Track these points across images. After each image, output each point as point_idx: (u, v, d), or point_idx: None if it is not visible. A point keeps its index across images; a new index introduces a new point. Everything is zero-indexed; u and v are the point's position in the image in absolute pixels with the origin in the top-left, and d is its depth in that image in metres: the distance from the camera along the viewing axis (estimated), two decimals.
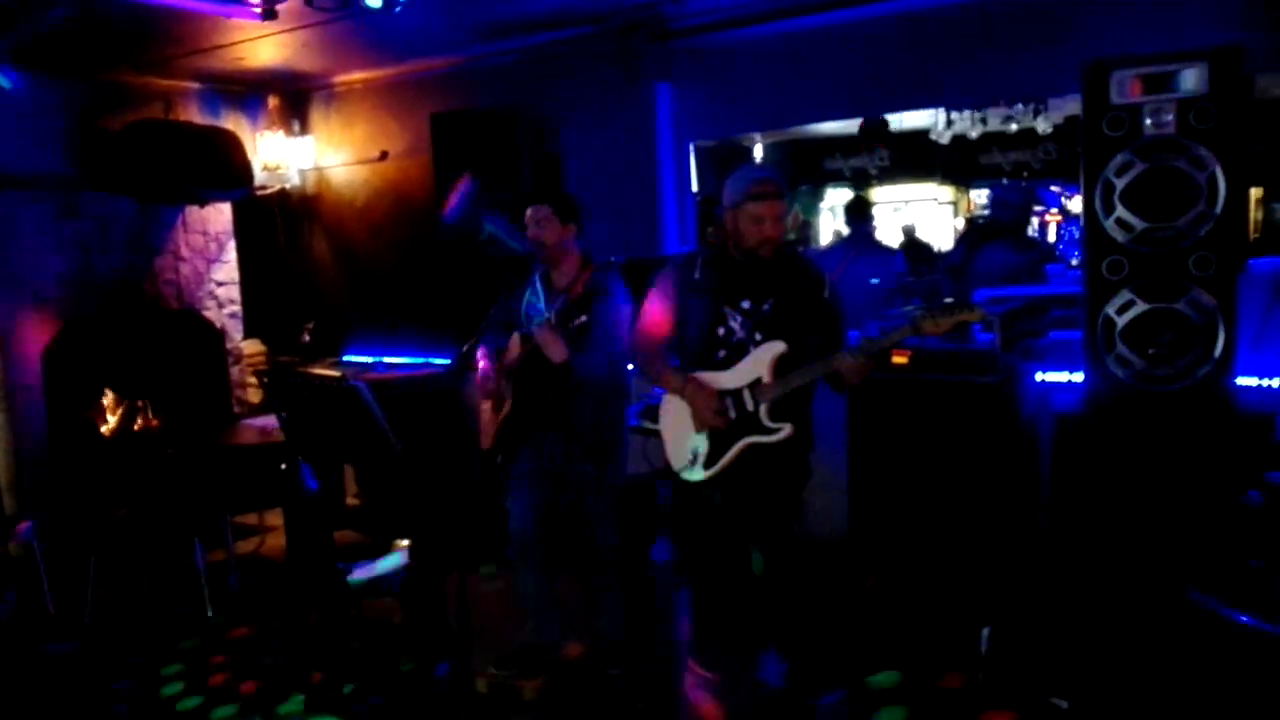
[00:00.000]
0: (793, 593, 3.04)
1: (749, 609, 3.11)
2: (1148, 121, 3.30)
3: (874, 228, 6.60)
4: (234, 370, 6.56)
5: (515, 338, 3.69)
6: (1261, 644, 2.60)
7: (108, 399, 5.75)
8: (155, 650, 4.23)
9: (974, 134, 8.52)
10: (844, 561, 4.10)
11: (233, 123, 6.48)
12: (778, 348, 2.93)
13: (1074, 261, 6.37)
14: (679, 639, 3.19)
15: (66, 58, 5.44)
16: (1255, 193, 6.83)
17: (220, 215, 6.50)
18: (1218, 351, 3.26)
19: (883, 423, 3.92)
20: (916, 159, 10.36)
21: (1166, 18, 4.00)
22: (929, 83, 4.81)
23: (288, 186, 6.91)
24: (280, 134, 6.76)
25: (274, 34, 5.08)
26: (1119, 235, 3.35)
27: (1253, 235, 6.66)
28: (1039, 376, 3.95)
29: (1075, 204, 9.11)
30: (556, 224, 3.54)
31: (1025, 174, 10.00)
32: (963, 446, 3.74)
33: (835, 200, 10.97)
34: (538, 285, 3.64)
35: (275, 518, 5.64)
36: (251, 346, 6.80)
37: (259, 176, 6.54)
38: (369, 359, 6.57)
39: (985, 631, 3.36)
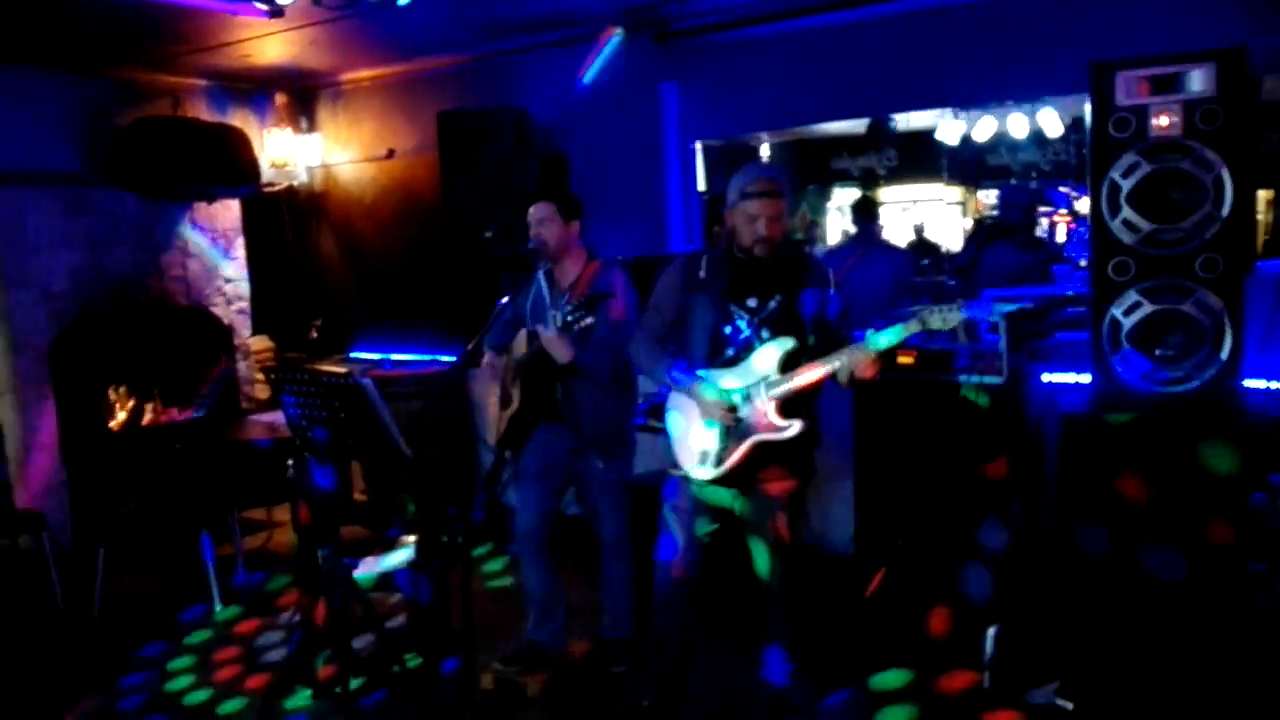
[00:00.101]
0: (797, 592, 3.05)
1: (753, 608, 3.12)
2: (1154, 122, 3.29)
3: (881, 227, 6.60)
4: (242, 366, 6.58)
5: (522, 335, 3.70)
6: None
7: (117, 394, 5.79)
8: (164, 644, 4.26)
9: (981, 134, 8.50)
10: (849, 561, 4.10)
11: (241, 120, 6.50)
12: (786, 344, 2.93)
13: (1082, 262, 6.35)
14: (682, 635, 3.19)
15: (75, 54, 5.46)
16: (1265, 195, 6.81)
17: (228, 212, 6.52)
18: (1224, 353, 3.25)
19: (889, 422, 3.93)
20: (925, 159, 10.35)
21: (1173, 19, 4.00)
22: (934, 83, 4.81)
23: (295, 184, 6.94)
24: (288, 131, 6.78)
25: (281, 31, 5.10)
26: (1125, 236, 3.35)
27: (1262, 238, 6.64)
28: (1045, 377, 3.94)
29: (1085, 205, 9.10)
30: (559, 222, 3.55)
31: (1034, 174, 9.98)
32: (969, 447, 3.74)
33: (843, 200, 10.96)
34: (542, 283, 3.65)
35: (283, 513, 5.67)
36: (259, 343, 6.83)
37: (267, 173, 6.56)
38: (376, 356, 6.61)
39: (990, 632, 3.36)
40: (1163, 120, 3.28)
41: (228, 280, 6.54)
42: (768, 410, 2.92)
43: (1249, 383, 3.42)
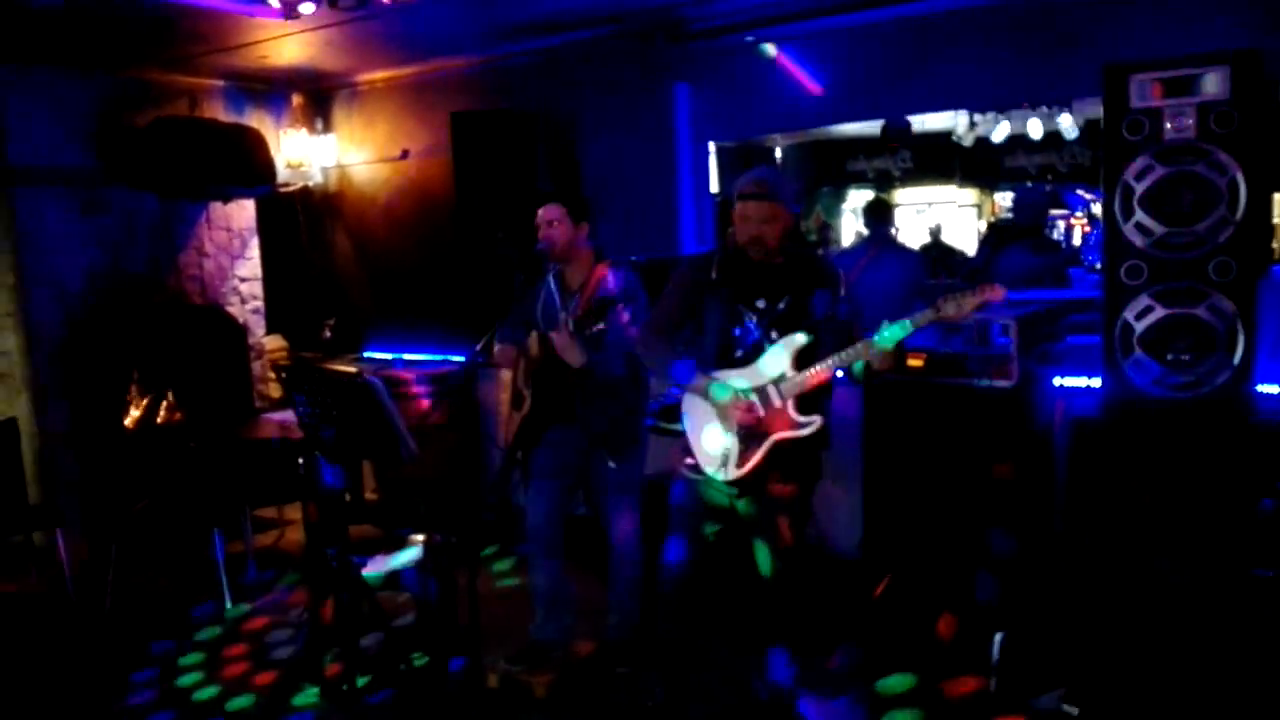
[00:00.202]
0: (799, 594, 3.04)
1: (757, 608, 3.11)
2: (1168, 125, 3.27)
3: (894, 229, 6.58)
4: (256, 365, 6.62)
5: (534, 337, 3.72)
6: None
7: (131, 392, 5.84)
8: (174, 640, 4.29)
9: (997, 136, 8.47)
10: (857, 564, 4.09)
11: (257, 120, 6.55)
12: (799, 340, 2.93)
13: (1097, 266, 6.32)
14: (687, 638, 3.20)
15: (93, 54, 5.51)
16: None
17: (244, 212, 6.56)
18: (1237, 358, 3.22)
19: (898, 425, 3.91)
20: (940, 161, 10.32)
21: (1188, 21, 3.96)
22: (948, 85, 4.79)
23: (310, 184, 6.97)
24: (303, 132, 6.82)
25: (297, 33, 5.13)
26: (1138, 240, 3.32)
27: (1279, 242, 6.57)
28: (1056, 381, 3.92)
29: (1101, 208, 9.05)
30: (569, 224, 3.56)
31: (1050, 177, 9.93)
32: (978, 451, 3.72)
33: (858, 201, 10.94)
34: (552, 285, 3.65)
35: (294, 511, 5.70)
36: (273, 342, 6.87)
37: (282, 174, 6.60)
38: (389, 355, 6.64)
39: (998, 637, 3.34)
40: (1177, 123, 3.26)
41: (243, 279, 6.58)
42: (786, 407, 2.91)
43: (1261, 387, 3.39)
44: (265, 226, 6.72)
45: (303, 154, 6.80)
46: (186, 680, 3.94)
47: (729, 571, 3.18)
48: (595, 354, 3.40)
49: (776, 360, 2.94)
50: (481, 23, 5.15)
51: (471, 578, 3.17)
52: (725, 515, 3.08)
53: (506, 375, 3.87)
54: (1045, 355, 3.92)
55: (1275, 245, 5.91)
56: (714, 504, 3.07)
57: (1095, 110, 6.25)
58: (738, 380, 2.97)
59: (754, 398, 2.93)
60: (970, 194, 10.98)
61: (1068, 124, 8.10)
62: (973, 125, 8.64)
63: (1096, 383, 3.64)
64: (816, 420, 2.92)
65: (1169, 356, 3.30)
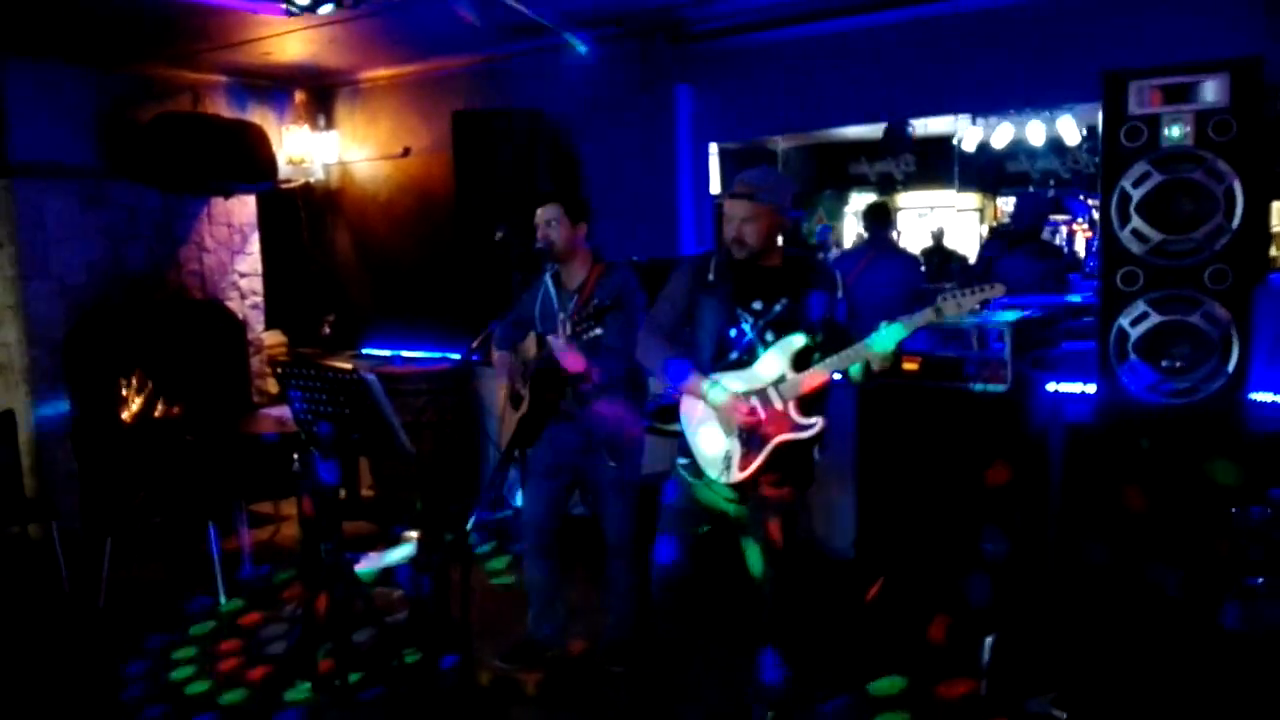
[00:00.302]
0: (789, 596, 3.04)
1: (748, 609, 3.11)
2: (1166, 132, 3.28)
3: (895, 233, 6.58)
4: (254, 360, 6.63)
5: (531, 338, 3.72)
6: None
7: (129, 385, 5.85)
8: (167, 634, 4.30)
9: (998, 140, 8.46)
10: (850, 567, 4.09)
11: (260, 116, 6.56)
12: (797, 342, 2.93)
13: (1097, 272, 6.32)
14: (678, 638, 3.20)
15: (97, 49, 5.53)
16: None
17: (245, 207, 6.57)
18: (1231, 366, 3.23)
19: (892, 428, 3.92)
20: (943, 165, 10.32)
21: (1194, 29, 3.96)
22: (948, 88, 4.79)
23: (312, 180, 6.99)
24: (306, 128, 6.83)
25: (300, 30, 5.15)
26: (1134, 246, 3.33)
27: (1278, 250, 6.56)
28: (1051, 386, 3.92)
29: None
30: (567, 224, 3.56)
31: (1052, 182, 9.92)
32: (972, 455, 3.72)
33: (860, 205, 10.94)
34: (549, 285, 3.66)
35: (290, 507, 5.72)
36: (272, 338, 6.88)
37: (284, 170, 6.61)
38: (387, 352, 6.65)
39: (988, 640, 3.34)
40: (1175, 130, 3.26)
41: (243, 275, 6.59)
42: (788, 409, 2.91)
43: (1255, 395, 3.39)
44: (266, 222, 6.73)
45: (305, 150, 6.81)
46: (179, 674, 3.94)
47: (720, 572, 3.18)
48: (594, 359, 3.41)
49: (774, 362, 2.94)
50: (484, 21, 5.15)
51: (465, 575, 3.17)
52: (717, 516, 3.08)
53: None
54: (1040, 360, 3.92)
55: (1275, 253, 5.91)
56: (707, 505, 3.07)
57: (1098, 116, 6.25)
58: (736, 383, 2.97)
59: (755, 401, 2.93)
60: (972, 198, 10.97)
61: (1069, 129, 8.10)
62: (975, 129, 8.65)
63: (1091, 388, 3.65)
64: (819, 422, 2.91)
65: (1164, 363, 3.31)
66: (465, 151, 5.54)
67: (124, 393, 5.82)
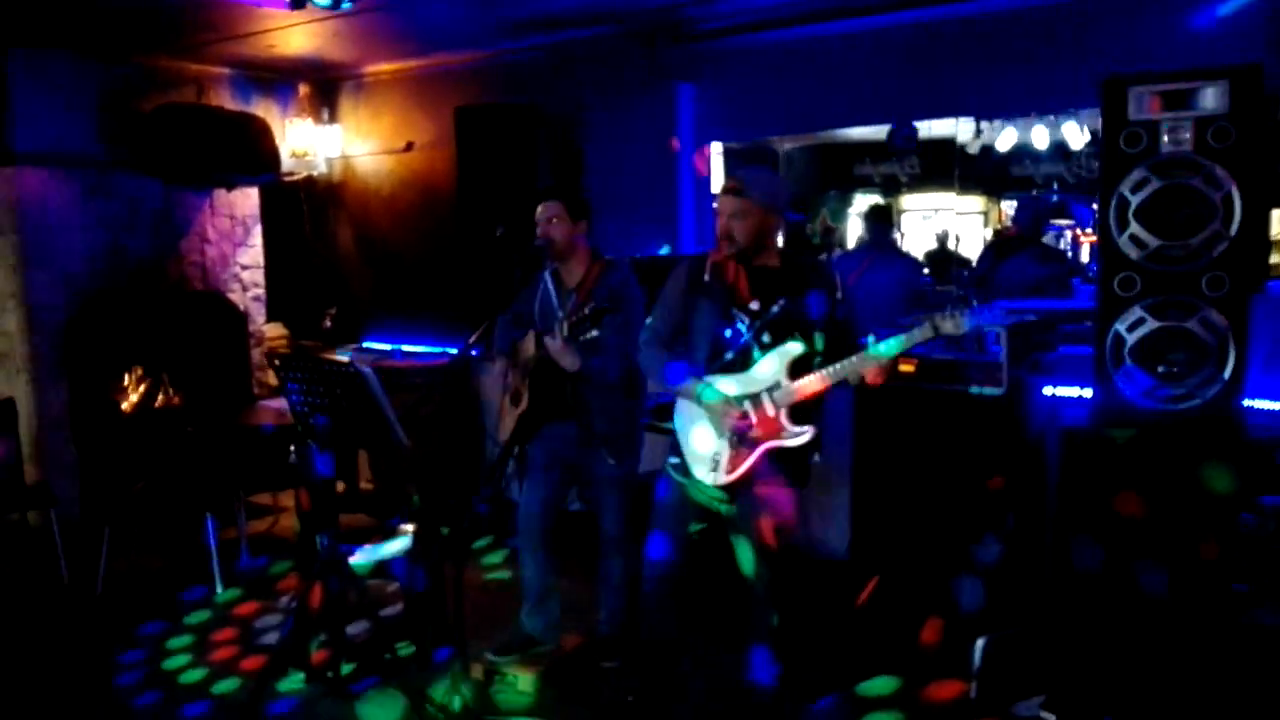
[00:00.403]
0: (781, 595, 3.05)
1: (740, 607, 3.12)
2: (1165, 139, 3.27)
3: (900, 234, 6.57)
4: (255, 353, 6.65)
5: (530, 336, 3.72)
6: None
7: (130, 375, 5.87)
8: (163, 623, 4.31)
9: (1002, 144, 8.45)
10: (844, 568, 4.10)
11: (263, 109, 6.57)
12: (794, 350, 2.93)
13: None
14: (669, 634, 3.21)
15: (101, 40, 5.54)
16: None
17: (247, 200, 6.59)
18: (1227, 372, 3.22)
19: (888, 430, 3.92)
20: (948, 167, 10.28)
21: (1189, 35, 3.97)
22: (950, 91, 4.80)
23: (314, 174, 7.00)
24: (309, 121, 6.84)
25: (305, 23, 5.16)
26: (1132, 252, 3.33)
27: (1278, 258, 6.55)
28: (1048, 391, 3.92)
29: None
30: (567, 222, 3.56)
31: (1056, 186, 9.90)
32: (968, 458, 3.73)
33: (865, 206, 10.92)
34: (548, 283, 3.67)
35: (289, 499, 5.73)
36: (274, 330, 6.90)
37: (287, 163, 6.63)
38: (388, 346, 6.66)
39: (980, 643, 3.35)
40: (1174, 137, 3.26)
41: (244, 267, 6.61)
42: (779, 416, 2.92)
43: (1251, 403, 3.39)
44: (268, 215, 6.75)
45: (308, 143, 6.83)
46: (174, 662, 3.96)
47: (713, 570, 3.19)
48: (590, 359, 3.42)
49: (770, 368, 2.95)
50: (488, 17, 5.16)
51: (458, 569, 3.18)
52: (709, 515, 3.09)
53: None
54: (1037, 364, 3.92)
55: (1275, 260, 5.90)
56: (700, 503, 3.08)
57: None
58: (731, 385, 2.98)
59: (747, 404, 2.94)
60: (970, 201, 10.95)
61: (1073, 133, 8.07)
62: (979, 133, 8.62)
63: (1088, 393, 3.65)
64: (808, 431, 2.92)
65: (1160, 369, 3.30)
66: (467, 147, 5.55)
67: (124, 382, 5.84)
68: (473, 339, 3.59)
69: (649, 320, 3.22)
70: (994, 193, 10.75)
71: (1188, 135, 3.24)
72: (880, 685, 3.47)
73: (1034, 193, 9.83)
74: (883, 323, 3.86)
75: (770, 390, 2.93)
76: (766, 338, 2.99)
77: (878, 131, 8.65)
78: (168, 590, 4.66)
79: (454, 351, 6.09)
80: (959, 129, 8.49)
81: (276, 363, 3.52)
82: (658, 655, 3.20)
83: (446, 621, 3.45)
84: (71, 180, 5.69)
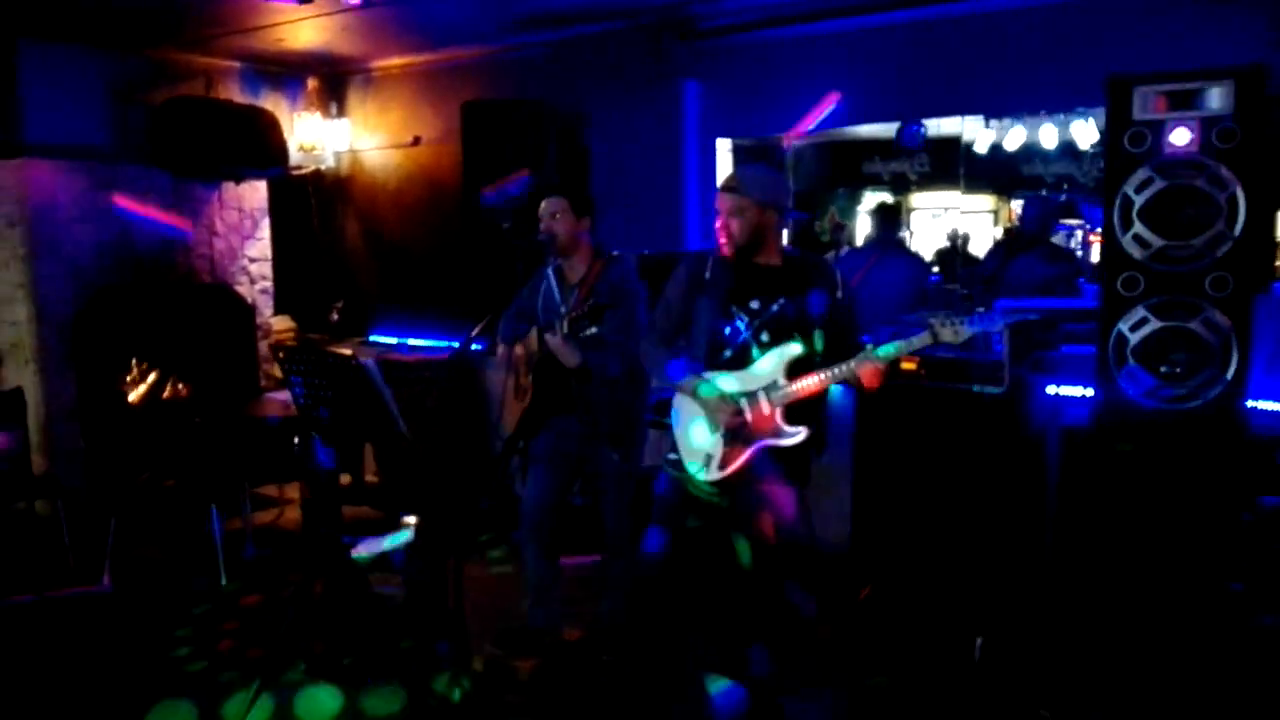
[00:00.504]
0: (779, 592, 3.06)
1: (737, 603, 3.13)
2: (1170, 139, 3.27)
3: (909, 233, 6.55)
4: (263, 345, 6.68)
5: (533, 332, 3.73)
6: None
7: (138, 367, 5.90)
8: (168, 613, 4.35)
9: (1010, 143, 8.41)
10: (844, 566, 4.10)
11: (272, 103, 6.59)
12: (793, 351, 2.94)
13: None
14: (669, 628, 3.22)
15: (111, 32, 5.57)
16: None
17: (255, 193, 6.62)
18: (1230, 373, 3.22)
19: (890, 429, 3.92)
20: (958, 166, 10.24)
21: (1195, 35, 3.95)
22: (956, 90, 4.79)
23: (323, 167, 7.03)
24: (317, 115, 6.87)
25: (314, 17, 5.18)
26: (1136, 252, 3.32)
27: None
28: (1050, 390, 3.92)
29: None
30: (571, 217, 3.57)
31: (1066, 186, 9.86)
32: (969, 456, 3.73)
33: (873, 204, 10.89)
34: (551, 278, 3.68)
35: (295, 490, 5.76)
36: (281, 323, 6.93)
37: (295, 156, 6.65)
38: (394, 340, 6.68)
39: (979, 642, 3.35)
40: (1179, 137, 3.26)
41: (252, 260, 6.64)
42: (775, 415, 2.93)
43: (1253, 403, 3.38)
44: (276, 208, 6.77)
45: (316, 137, 6.85)
46: (178, 652, 3.98)
47: (711, 564, 3.20)
48: (590, 355, 3.43)
49: (769, 367, 2.95)
50: (495, 13, 5.18)
51: (458, 562, 3.20)
52: (707, 509, 3.10)
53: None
54: (1039, 363, 3.92)
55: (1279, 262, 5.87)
56: (699, 498, 3.09)
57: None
58: (730, 382, 2.98)
59: (743, 402, 2.94)
60: (977, 200, 10.91)
61: (1082, 133, 8.04)
62: (986, 129, 8.58)
63: (1090, 392, 3.64)
64: (802, 432, 2.93)
65: (1162, 369, 3.30)
66: (474, 142, 5.56)
67: (132, 374, 5.87)
68: (474, 332, 3.60)
69: (652, 316, 3.22)
70: (1004, 192, 10.72)
71: (1193, 135, 3.24)
72: (877, 682, 3.48)
73: (1043, 192, 9.81)
74: (886, 320, 3.87)
75: (768, 389, 2.93)
76: (765, 336, 2.99)
77: (887, 129, 8.64)
78: (173, 581, 4.68)
79: (457, 345, 6.10)
80: (965, 127, 8.47)
81: (281, 355, 3.55)
82: (658, 649, 3.21)
83: (448, 614, 3.47)
84: (81, 172, 5.72)
